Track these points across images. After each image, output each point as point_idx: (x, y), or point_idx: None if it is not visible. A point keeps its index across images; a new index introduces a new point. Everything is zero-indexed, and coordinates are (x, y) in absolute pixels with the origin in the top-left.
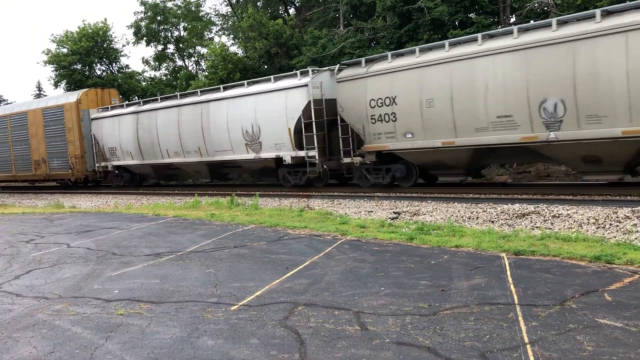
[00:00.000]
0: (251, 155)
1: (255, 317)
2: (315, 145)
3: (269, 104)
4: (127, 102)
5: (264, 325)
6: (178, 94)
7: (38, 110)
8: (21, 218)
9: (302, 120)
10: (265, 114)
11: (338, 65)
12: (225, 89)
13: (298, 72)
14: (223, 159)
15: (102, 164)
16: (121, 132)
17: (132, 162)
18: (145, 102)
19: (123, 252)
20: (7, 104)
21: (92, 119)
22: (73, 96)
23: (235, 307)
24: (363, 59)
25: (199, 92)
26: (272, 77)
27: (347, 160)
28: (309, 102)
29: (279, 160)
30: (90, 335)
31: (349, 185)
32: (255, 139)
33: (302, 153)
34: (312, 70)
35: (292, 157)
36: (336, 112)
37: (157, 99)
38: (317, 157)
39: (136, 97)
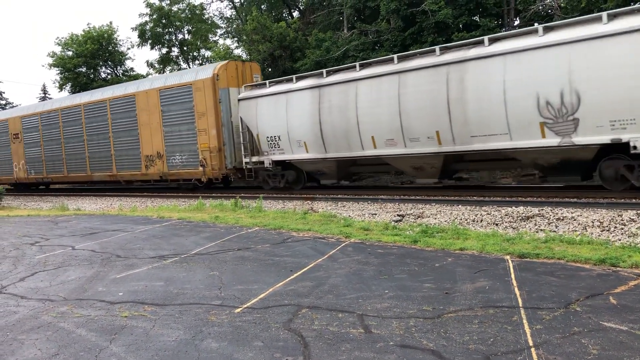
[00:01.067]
0: (552, 141)
1: (259, 319)
2: None
3: (605, 56)
4: (297, 75)
5: (268, 328)
6: (395, 56)
7: (152, 91)
8: (26, 220)
9: None
10: (594, 74)
11: None
12: (492, 41)
13: None
14: (485, 147)
15: (254, 159)
16: (290, 115)
17: (306, 156)
18: (330, 72)
19: (127, 254)
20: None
21: (240, 100)
22: (207, 71)
23: (239, 309)
24: None
25: (437, 50)
26: (603, 14)
27: None
28: None
29: (606, 148)
30: (94, 338)
31: (354, 188)
32: (566, 115)
33: None
34: None
35: None
36: None
37: (353, 66)
38: None
39: None
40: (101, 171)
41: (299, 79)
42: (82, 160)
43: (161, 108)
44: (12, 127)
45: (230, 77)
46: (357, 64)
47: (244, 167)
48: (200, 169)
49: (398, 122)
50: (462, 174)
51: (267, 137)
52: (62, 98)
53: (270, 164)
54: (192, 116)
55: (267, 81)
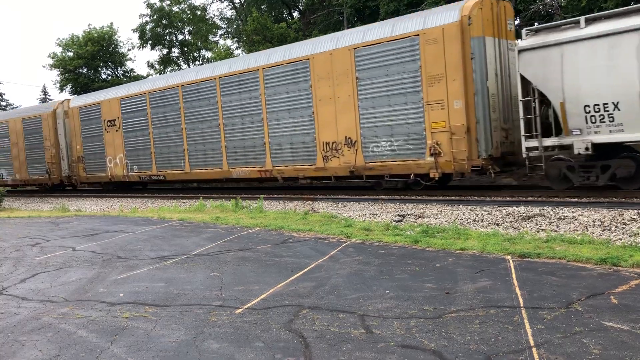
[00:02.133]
0: None
1: (260, 320)
2: None
3: None
4: None
5: (269, 329)
6: None
7: (341, 51)
8: (27, 222)
9: None
10: None
11: None
12: None
13: None
14: None
15: (549, 141)
16: None
17: None
18: None
19: (128, 255)
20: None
21: (521, 51)
22: (447, 13)
23: (240, 310)
24: None
25: None
26: None
27: None
28: None
29: None
30: (95, 339)
31: (355, 188)
32: None
33: None
34: None
35: None
36: None
37: None
38: None
39: None
40: (246, 165)
41: None
42: (216, 151)
43: (357, 75)
44: (107, 111)
45: (486, 21)
46: None
47: (525, 156)
48: (429, 159)
49: None
50: None
51: (586, 105)
52: (182, 71)
53: (587, 148)
54: (416, 82)
55: (581, 18)
